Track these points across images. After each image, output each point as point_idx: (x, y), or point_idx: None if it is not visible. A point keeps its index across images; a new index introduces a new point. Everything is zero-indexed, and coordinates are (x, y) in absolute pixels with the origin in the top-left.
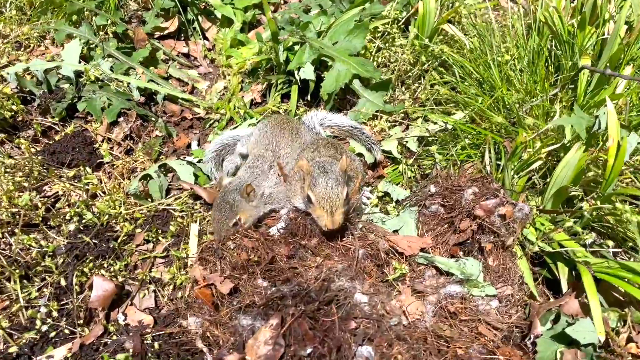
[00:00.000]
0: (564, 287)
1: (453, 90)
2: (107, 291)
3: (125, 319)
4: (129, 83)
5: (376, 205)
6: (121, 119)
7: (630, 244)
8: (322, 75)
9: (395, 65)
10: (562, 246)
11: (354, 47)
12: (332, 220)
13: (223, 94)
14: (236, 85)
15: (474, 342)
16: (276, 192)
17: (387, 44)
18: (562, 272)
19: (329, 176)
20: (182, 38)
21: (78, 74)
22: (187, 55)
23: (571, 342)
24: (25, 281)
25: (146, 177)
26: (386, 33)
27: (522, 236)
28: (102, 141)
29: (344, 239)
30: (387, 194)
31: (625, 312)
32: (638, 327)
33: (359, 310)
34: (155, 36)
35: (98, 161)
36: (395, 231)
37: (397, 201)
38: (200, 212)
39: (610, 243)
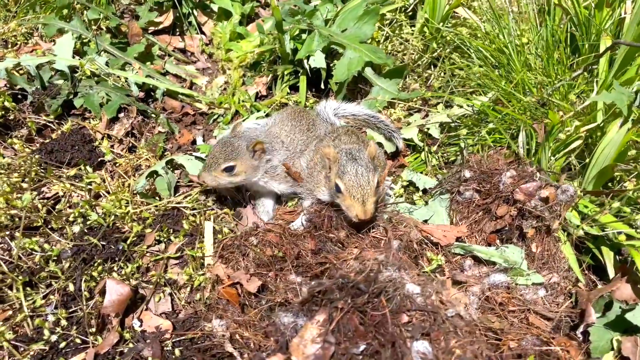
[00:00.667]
0: (611, 272)
1: (468, 77)
2: (121, 295)
3: (141, 325)
4: (126, 78)
5: (401, 196)
6: (121, 114)
7: None
8: (331, 65)
9: (404, 54)
10: (604, 229)
11: (364, 34)
12: (364, 210)
13: (224, 89)
14: (237, 80)
15: (527, 334)
16: (281, 170)
17: (395, 32)
18: (608, 257)
19: (359, 163)
20: (178, 33)
21: (72, 69)
22: (183, 51)
23: (627, 330)
24: (28, 288)
25: (153, 175)
26: (394, 21)
27: (565, 220)
28: (102, 138)
29: (374, 230)
30: (411, 183)
31: None
32: None
33: (411, 302)
34: (150, 31)
35: (99, 160)
36: (425, 221)
37: (423, 190)
38: (213, 209)
39: None
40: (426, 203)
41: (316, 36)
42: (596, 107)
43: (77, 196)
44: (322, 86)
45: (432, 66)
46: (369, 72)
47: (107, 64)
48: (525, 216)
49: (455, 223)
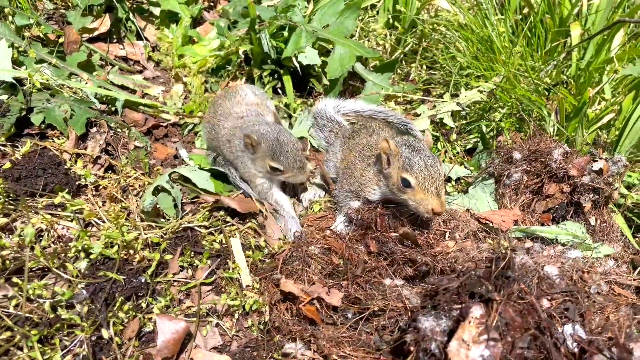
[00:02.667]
0: None
1: (443, 68)
2: (177, 333)
3: None
4: (82, 90)
5: None
6: (93, 129)
7: None
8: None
9: (379, 49)
10: None
11: (347, 29)
12: (440, 202)
13: (186, 97)
14: (200, 86)
15: (621, 304)
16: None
17: (368, 26)
18: None
19: (425, 154)
20: (115, 40)
21: (18, 80)
22: (125, 59)
23: None
24: (39, 345)
25: (156, 191)
26: (365, 17)
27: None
28: (72, 159)
29: (432, 223)
30: None
31: None
32: None
33: (551, 285)
34: (84, 38)
35: (76, 184)
36: (467, 210)
37: (456, 180)
38: (233, 224)
39: None
40: (465, 192)
41: (303, 32)
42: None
43: (63, 228)
44: (313, 81)
45: (403, 61)
46: (359, 68)
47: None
48: (580, 191)
49: (506, 207)
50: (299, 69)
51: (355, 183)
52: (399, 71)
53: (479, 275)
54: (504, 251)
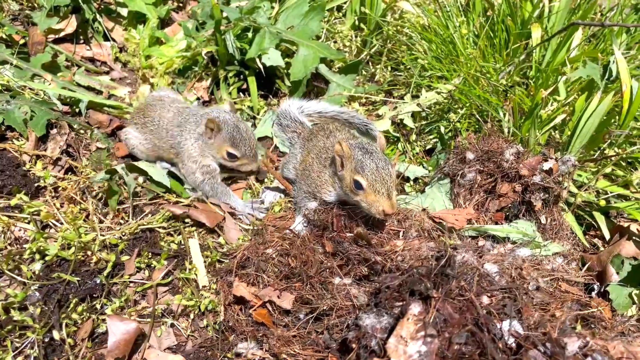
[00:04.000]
0: (606, 234)
1: (407, 70)
2: (128, 334)
3: None
4: (44, 91)
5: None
6: (53, 130)
7: None
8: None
9: (345, 51)
10: (605, 192)
11: (312, 31)
12: (391, 204)
13: None
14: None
15: (566, 300)
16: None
17: (334, 28)
18: (601, 221)
19: (377, 156)
20: (82, 41)
21: None
22: (92, 60)
23: None
24: None
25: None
26: (331, 19)
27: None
28: (32, 161)
29: (387, 223)
30: (398, 175)
31: None
32: None
33: (490, 282)
34: (50, 39)
35: (35, 186)
36: (424, 210)
37: (414, 179)
38: (192, 225)
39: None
40: (422, 192)
41: (267, 34)
42: (558, 86)
43: (20, 230)
44: (280, 82)
45: (370, 63)
46: (323, 69)
47: (13, 76)
48: (531, 190)
49: (460, 206)
50: (262, 70)
51: (313, 184)
52: (364, 72)
53: (420, 273)
54: (446, 249)
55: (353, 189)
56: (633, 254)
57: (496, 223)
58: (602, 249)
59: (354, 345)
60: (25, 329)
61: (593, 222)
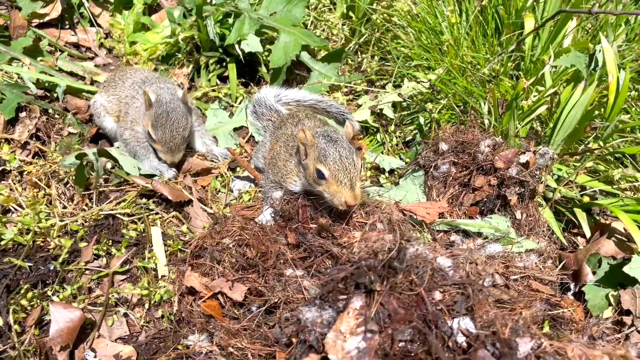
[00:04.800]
0: (587, 231)
1: (412, 56)
2: (72, 321)
3: (95, 356)
4: (18, 74)
5: (367, 179)
6: (22, 114)
7: None
8: (263, 52)
9: (330, 39)
10: (584, 188)
11: (295, 18)
12: (353, 195)
13: None
14: None
15: (535, 299)
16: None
17: (321, 16)
18: (582, 218)
19: (340, 145)
20: (68, 26)
21: None
22: (76, 46)
23: (618, 284)
24: None
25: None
26: (318, 6)
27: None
28: (1, 144)
29: (355, 215)
30: (374, 165)
31: None
32: None
33: (443, 277)
34: (34, 24)
35: (1, 169)
36: (396, 202)
37: (390, 171)
38: (157, 212)
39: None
40: (396, 184)
41: (246, 19)
42: (545, 76)
43: None
44: (261, 69)
45: (359, 52)
46: (305, 57)
47: None
48: (506, 184)
49: (433, 200)
50: (241, 56)
51: (279, 174)
52: (350, 62)
53: (367, 265)
54: (399, 242)
55: (316, 178)
56: (612, 253)
57: (470, 217)
58: (581, 247)
59: (293, 340)
60: None
61: (574, 219)
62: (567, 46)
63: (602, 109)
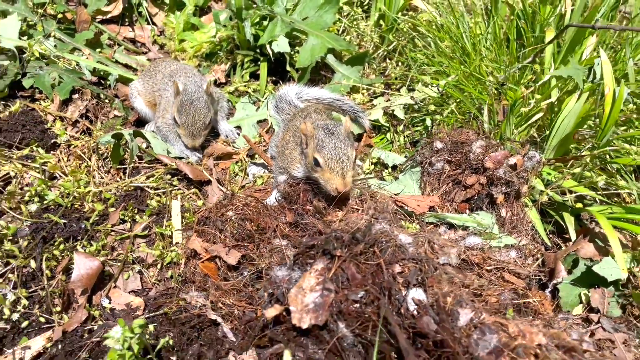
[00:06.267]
0: (572, 235)
1: (428, 63)
2: (91, 269)
3: (110, 303)
4: (77, 62)
5: (370, 172)
6: (75, 95)
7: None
8: (293, 53)
9: (361, 46)
10: (571, 192)
11: (325, 23)
12: (343, 183)
13: None
14: None
15: (504, 289)
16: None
17: (352, 24)
18: (569, 222)
19: (337, 137)
20: (127, 23)
21: (20, 50)
22: (133, 41)
23: (592, 285)
24: None
25: (117, 138)
26: (350, 13)
27: (530, 187)
28: (54, 120)
29: (349, 202)
30: (379, 161)
31: (639, 251)
32: None
33: (404, 252)
34: (98, 20)
35: (52, 142)
36: (393, 195)
37: (393, 167)
38: (179, 188)
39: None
40: (396, 179)
41: (279, 22)
42: (550, 85)
43: (30, 177)
44: (288, 68)
45: (387, 59)
46: (331, 59)
47: (55, 47)
48: (495, 184)
49: (427, 194)
50: (271, 56)
51: (286, 160)
52: (375, 67)
53: (335, 236)
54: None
55: (313, 166)
56: (591, 255)
57: (460, 213)
58: (564, 248)
59: (265, 294)
60: (12, 258)
61: (563, 223)
62: (587, 59)
63: (599, 120)
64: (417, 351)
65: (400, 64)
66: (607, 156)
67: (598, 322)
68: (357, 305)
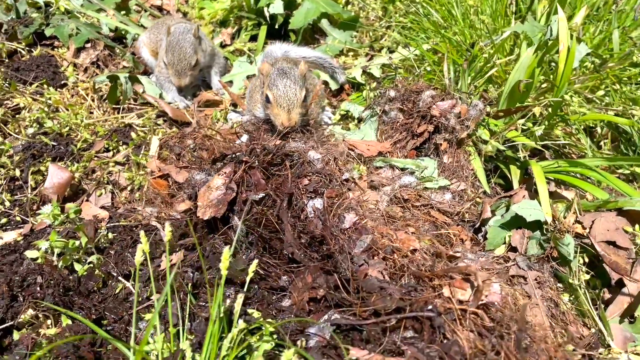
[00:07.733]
0: (516, 186)
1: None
2: (62, 179)
3: (80, 214)
4: (98, 19)
5: (338, 123)
6: (89, 45)
7: None
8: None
9: (367, 17)
10: (512, 141)
11: None
12: (288, 118)
13: None
14: (208, 34)
15: (426, 222)
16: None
17: None
18: (514, 173)
19: (288, 77)
20: None
21: (47, 3)
22: (159, 8)
23: (519, 228)
24: None
25: (113, 80)
26: None
27: (477, 137)
28: (68, 65)
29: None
30: (349, 114)
31: (572, 199)
32: (585, 214)
33: (311, 167)
34: None
35: (62, 82)
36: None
37: (359, 119)
38: (162, 127)
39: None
40: (359, 128)
41: None
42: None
43: (38, 110)
44: (282, 32)
45: (388, 29)
46: (325, 24)
47: (81, 6)
48: (440, 131)
49: (381, 142)
50: (267, 18)
51: (251, 102)
52: (370, 34)
53: (250, 149)
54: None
55: (264, 102)
56: None
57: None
58: None
59: (184, 194)
60: (2, 167)
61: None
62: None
63: (553, 76)
64: (306, 250)
65: (396, 31)
66: (565, 115)
67: (514, 260)
68: (260, 206)
